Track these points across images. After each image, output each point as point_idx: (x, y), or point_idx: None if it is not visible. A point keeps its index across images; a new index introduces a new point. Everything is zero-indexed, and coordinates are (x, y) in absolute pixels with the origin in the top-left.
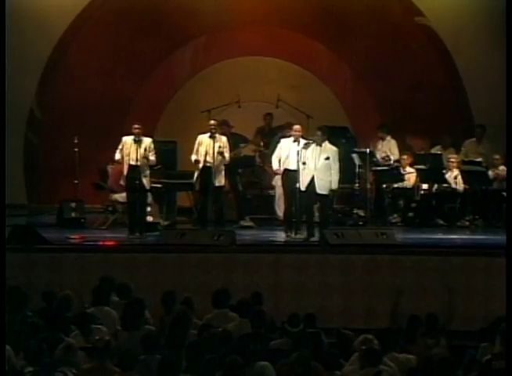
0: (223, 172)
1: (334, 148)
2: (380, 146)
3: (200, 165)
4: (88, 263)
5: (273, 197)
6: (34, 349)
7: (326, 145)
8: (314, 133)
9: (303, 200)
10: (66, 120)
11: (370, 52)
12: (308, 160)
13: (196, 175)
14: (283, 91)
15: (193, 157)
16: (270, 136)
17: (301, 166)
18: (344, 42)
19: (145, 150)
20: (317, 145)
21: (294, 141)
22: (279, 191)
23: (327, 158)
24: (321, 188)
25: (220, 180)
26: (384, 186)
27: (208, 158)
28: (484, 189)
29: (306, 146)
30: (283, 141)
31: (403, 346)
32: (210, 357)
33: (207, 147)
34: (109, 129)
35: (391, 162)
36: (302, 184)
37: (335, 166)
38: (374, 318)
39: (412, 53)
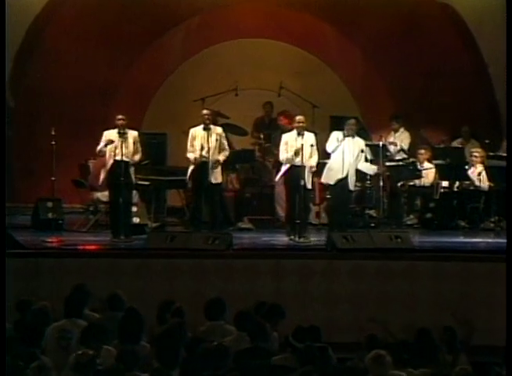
0: (219, 168)
1: (363, 141)
2: (392, 139)
3: (196, 160)
4: (67, 270)
5: (274, 195)
6: (8, 367)
7: (357, 137)
8: (322, 124)
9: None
10: (42, 109)
11: (384, 34)
12: (341, 154)
13: (189, 171)
14: (286, 77)
15: (191, 156)
16: (271, 128)
17: (341, 158)
18: (355, 23)
19: (133, 143)
20: (349, 136)
21: (298, 134)
22: (278, 188)
23: (362, 151)
24: (352, 184)
25: (216, 177)
26: (399, 183)
27: (204, 153)
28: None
29: (343, 138)
30: (285, 136)
31: (419, 363)
32: (204, 375)
33: (202, 140)
34: (91, 120)
35: (405, 156)
36: (331, 178)
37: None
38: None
39: (430, 36)
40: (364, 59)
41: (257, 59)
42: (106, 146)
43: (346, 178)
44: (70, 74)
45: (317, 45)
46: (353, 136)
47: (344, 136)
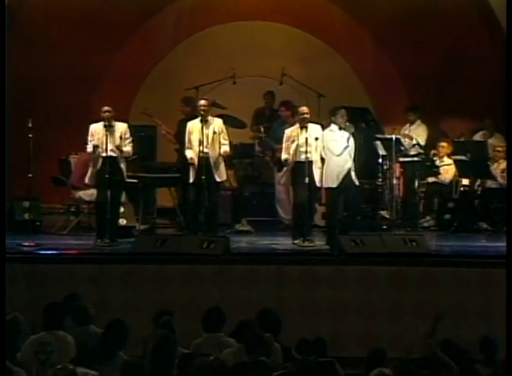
0: (223, 164)
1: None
2: (407, 132)
3: (195, 157)
4: (46, 276)
5: (274, 194)
6: None
7: (349, 125)
8: (326, 114)
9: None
10: (18, 98)
11: (397, 16)
12: (343, 149)
13: (191, 169)
14: (289, 64)
15: (189, 154)
16: (272, 120)
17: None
18: (366, 4)
19: (120, 138)
20: (341, 129)
21: (302, 128)
22: (279, 187)
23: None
24: (354, 179)
25: (220, 174)
26: (415, 181)
27: (202, 148)
28: None
29: (345, 130)
30: (288, 132)
31: None
32: None
33: (199, 134)
34: (73, 111)
35: (421, 150)
36: (337, 178)
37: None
38: (401, 345)
39: (449, 17)
40: (376, 43)
41: (257, 43)
42: (94, 151)
43: (348, 175)
44: (50, 59)
45: (323, 27)
46: (344, 128)
47: (342, 129)
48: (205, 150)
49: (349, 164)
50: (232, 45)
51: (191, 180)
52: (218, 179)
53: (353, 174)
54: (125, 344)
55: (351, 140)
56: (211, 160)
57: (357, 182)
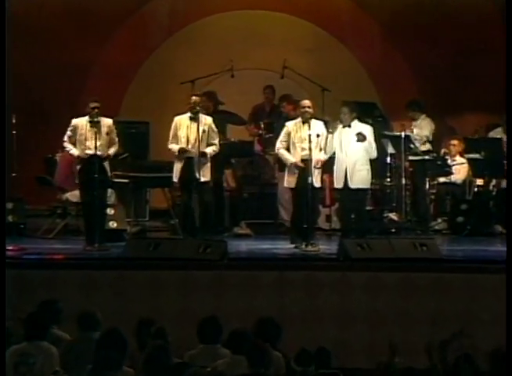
0: (208, 164)
1: (368, 126)
2: (413, 129)
3: (180, 153)
4: (30, 283)
5: (276, 195)
6: None
7: (357, 124)
8: (333, 111)
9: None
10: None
11: (407, 6)
12: (335, 149)
13: (175, 167)
14: (291, 56)
15: (173, 147)
16: (272, 116)
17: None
18: None
19: (106, 134)
20: (344, 126)
21: (304, 123)
22: (282, 187)
23: (358, 136)
24: (356, 181)
25: (205, 174)
26: (425, 181)
27: (189, 146)
28: None
29: (332, 130)
30: (289, 125)
31: None
32: None
33: (188, 131)
34: (59, 106)
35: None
36: (337, 181)
37: (372, 150)
38: (410, 355)
39: (463, 8)
40: (384, 35)
41: (257, 34)
42: (72, 136)
43: (346, 177)
44: (34, 52)
45: (328, 18)
46: (349, 126)
47: (331, 132)
48: (190, 149)
49: (344, 165)
50: (231, 36)
51: (175, 179)
52: (201, 179)
53: (349, 174)
54: (126, 354)
55: (347, 140)
56: (195, 160)
57: (352, 185)
